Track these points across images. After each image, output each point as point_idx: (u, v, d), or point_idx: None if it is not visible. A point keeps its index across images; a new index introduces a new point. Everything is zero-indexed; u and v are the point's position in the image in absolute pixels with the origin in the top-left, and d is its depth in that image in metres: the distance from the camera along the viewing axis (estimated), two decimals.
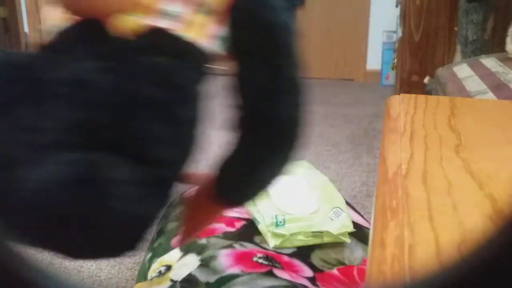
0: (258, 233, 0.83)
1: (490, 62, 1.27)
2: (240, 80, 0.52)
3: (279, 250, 0.79)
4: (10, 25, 4.24)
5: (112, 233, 0.48)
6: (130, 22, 0.48)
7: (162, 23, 0.49)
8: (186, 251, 0.79)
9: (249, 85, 0.52)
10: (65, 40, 0.51)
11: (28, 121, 0.47)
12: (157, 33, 0.49)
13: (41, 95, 0.48)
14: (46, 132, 0.46)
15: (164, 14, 0.50)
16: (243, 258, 0.76)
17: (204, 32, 0.51)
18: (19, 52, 0.71)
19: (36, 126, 0.46)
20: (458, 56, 1.82)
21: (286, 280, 0.72)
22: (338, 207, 0.88)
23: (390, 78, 3.11)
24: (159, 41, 0.49)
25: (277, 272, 0.73)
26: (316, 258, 0.80)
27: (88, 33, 0.50)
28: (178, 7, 0.50)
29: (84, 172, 0.45)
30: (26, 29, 3.83)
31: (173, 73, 0.50)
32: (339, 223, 0.83)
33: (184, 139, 0.52)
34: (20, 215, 0.44)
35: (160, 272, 0.78)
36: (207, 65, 0.53)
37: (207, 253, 0.76)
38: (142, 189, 0.48)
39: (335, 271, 0.78)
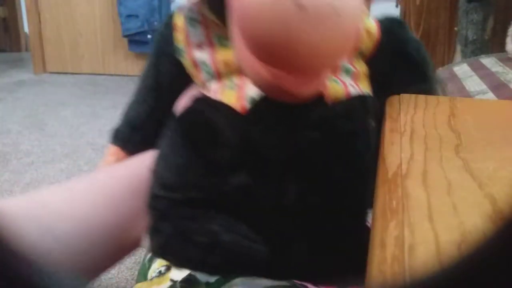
0: None
1: (490, 62, 1.27)
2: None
3: None
4: (10, 25, 4.24)
5: None
6: (337, 89, 0.45)
7: (351, 85, 0.46)
8: None
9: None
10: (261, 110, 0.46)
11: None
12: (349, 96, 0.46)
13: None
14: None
15: (345, 71, 0.47)
16: None
17: (367, 80, 0.49)
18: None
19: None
20: (458, 56, 1.82)
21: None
22: None
23: None
24: (352, 104, 0.46)
25: None
26: None
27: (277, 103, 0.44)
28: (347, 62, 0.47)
29: None
30: (26, 29, 3.83)
31: (368, 135, 0.46)
32: None
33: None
34: None
35: (160, 272, 0.78)
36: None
37: None
38: None
39: None
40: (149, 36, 3.09)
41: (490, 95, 0.97)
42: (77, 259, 0.48)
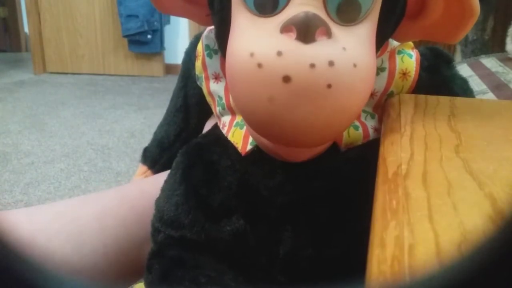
0: None
1: (490, 62, 1.27)
2: None
3: None
4: (10, 25, 4.24)
5: None
6: (355, 135, 0.42)
7: (372, 128, 0.43)
8: None
9: None
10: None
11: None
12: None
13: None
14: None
15: (370, 115, 0.44)
16: None
17: None
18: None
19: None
20: (458, 56, 1.82)
21: None
22: None
23: None
24: (368, 149, 0.41)
25: None
26: None
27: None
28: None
29: None
30: (26, 29, 3.83)
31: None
32: None
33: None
34: None
35: None
36: None
37: None
38: None
39: None
40: (149, 36, 3.09)
41: (490, 95, 0.97)
42: (102, 272, 0.47)
